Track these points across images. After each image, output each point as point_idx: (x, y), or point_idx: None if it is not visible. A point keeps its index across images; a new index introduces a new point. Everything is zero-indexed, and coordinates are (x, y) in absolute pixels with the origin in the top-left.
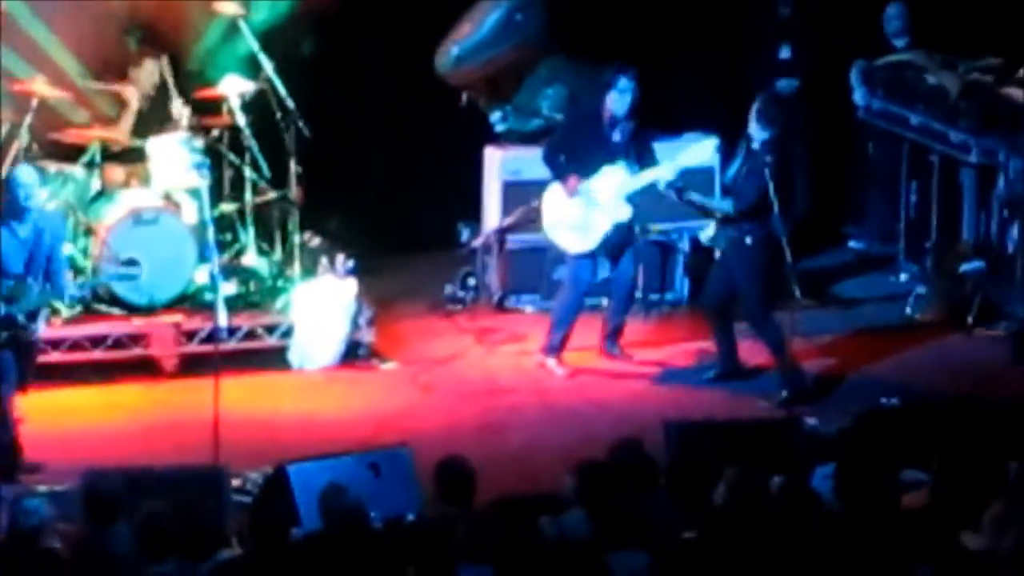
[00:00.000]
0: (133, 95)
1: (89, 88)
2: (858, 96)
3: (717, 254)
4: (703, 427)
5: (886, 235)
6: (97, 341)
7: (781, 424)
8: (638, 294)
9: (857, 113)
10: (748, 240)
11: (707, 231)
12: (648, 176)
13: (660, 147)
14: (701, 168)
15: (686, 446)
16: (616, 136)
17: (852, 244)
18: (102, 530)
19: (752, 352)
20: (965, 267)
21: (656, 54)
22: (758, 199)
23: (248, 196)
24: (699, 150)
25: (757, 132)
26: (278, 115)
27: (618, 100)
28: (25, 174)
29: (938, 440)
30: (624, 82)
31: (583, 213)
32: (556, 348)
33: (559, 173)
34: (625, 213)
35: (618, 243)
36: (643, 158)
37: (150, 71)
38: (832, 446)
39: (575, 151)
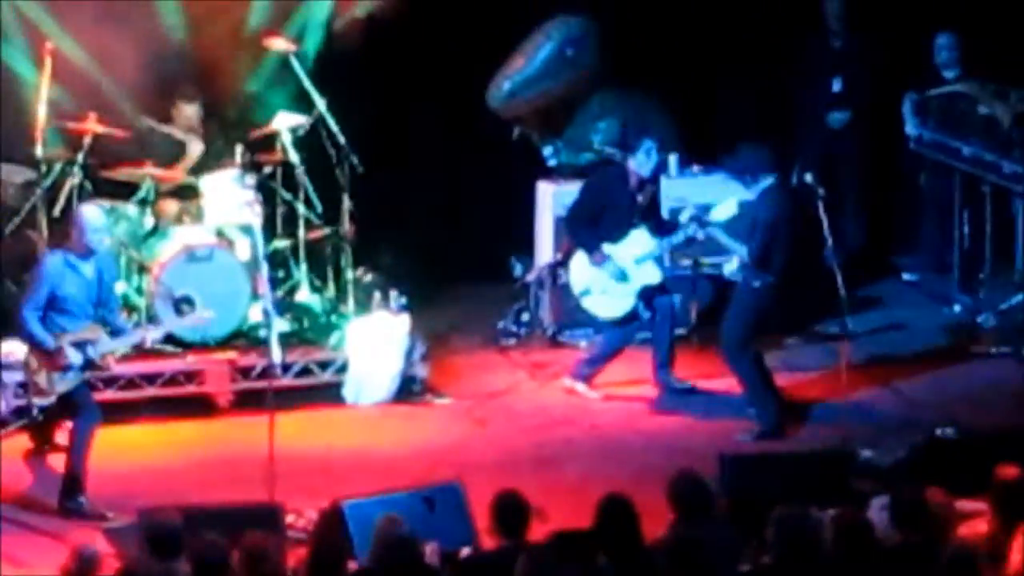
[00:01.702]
0: (193, 139)
1: (143, 127)
2: (910, 127)
3: None
4: (758, 459)
5: (939, 266)
6: (151, 378)
7: (836, 456)
8: (681, 330)
9: (909, 144)
10: (756, 283)
11: (730, 264)
12: (677, 238)
13: (710, 181)
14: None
15: (741, 478)
16: (640, 199)
17: (905, 276)
18: (166, 563)
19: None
20: (1018, 298)
21: (708, 87)
22: (762, 253)
23: (301, 232)
24: (724, 208)
25: (749, 188)
26: (330, 151)
27: (644, 163)
28: (96, 216)
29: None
30: (649, 144)
31: (612, 279)
32: (587, 376)
33: (584, 242)
34: (653, 276)
35: (650, 291)
36: (659, 220)
37: (194, 110)
38: (888, 477)
39: (600, 214)
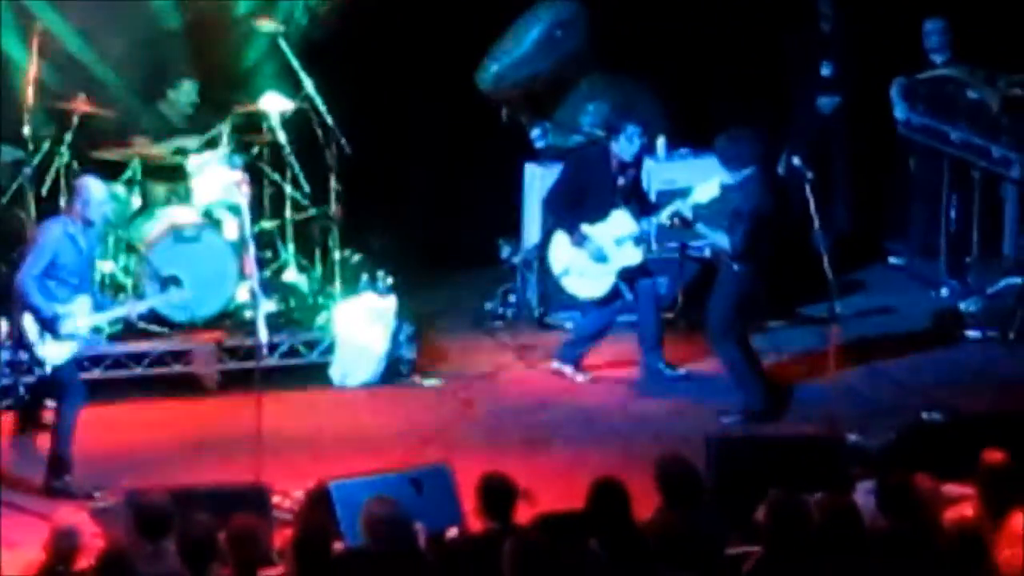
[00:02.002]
0: (174, 114)
1: (131, 106)
2: (899, 112)
3: None
4: (745, 442)
5: (927, 250)
6: (138, 358)
7: (823, 439)
8: (669, 314)
9: (898, 129)
10: (736, 267)
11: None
12: (663, 215)
13: (698, 163)
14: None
15: (728, 462)
16: (621, 181)
17: (892, 260)
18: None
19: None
20: (1005, 282)
21: (697, 71)
22: (746, 244)
23: (288, 213)
24: (706, 188)
25: (728, 176)
26: (318, 132)
27: (626, 147)
28: (100, 189)
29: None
30: (631, 129)
31: (591, 260)
32: (574, 359)
33: (563, 222)
34: (633, 257)
35: (631, 270)
36: (643, 203)
37: (188, 90)
38: (875, 461)
39: (580, 196)
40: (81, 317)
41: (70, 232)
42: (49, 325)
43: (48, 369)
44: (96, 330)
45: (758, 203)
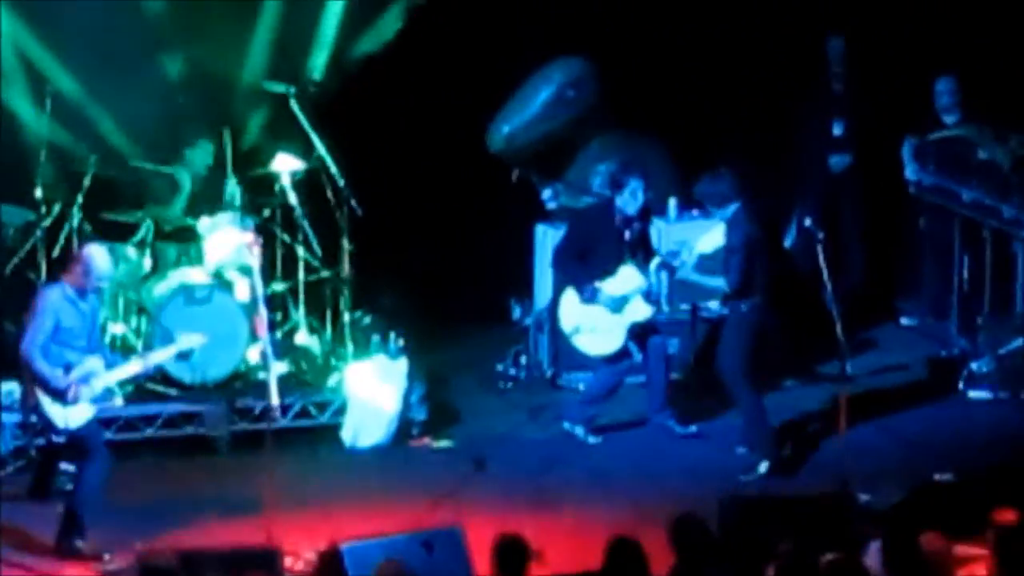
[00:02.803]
0: (185, 176)
1: (142, 169)
2: (910, 172)
3: None
4: (757, 502)
5: (939, 310)
6: (150, 420)
7: (834, 498)
8: (676, 375)
9: (909, 189)
10: (743, 307)
11: (715, 301)
12: (663, 271)
13: (709, 224)
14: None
15: (740, 521)
16: (628, 236)
17: (904, 319)
18: None
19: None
20: (1017, 342)
21: (709, 130)
22: (743, 276)
23: (300, 274)
24: (711, 236)
25: (718, 213)
26: (330, 193)
27: (630, 201)
28: (103, 259)
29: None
30: (635, 183)
31: (601, 317)
32: (585, 420)
33: (572, 279)
34: (643, 312)
35: (641, 330)
36: (650, 257)
37: (204, 152)
38: (885, 520)
39: (586, 251)
40: (95, 378)
41: (69, 296)
42: (56, 394)
43: (63, 435)
44: (109, 390)
45: (746, 233)
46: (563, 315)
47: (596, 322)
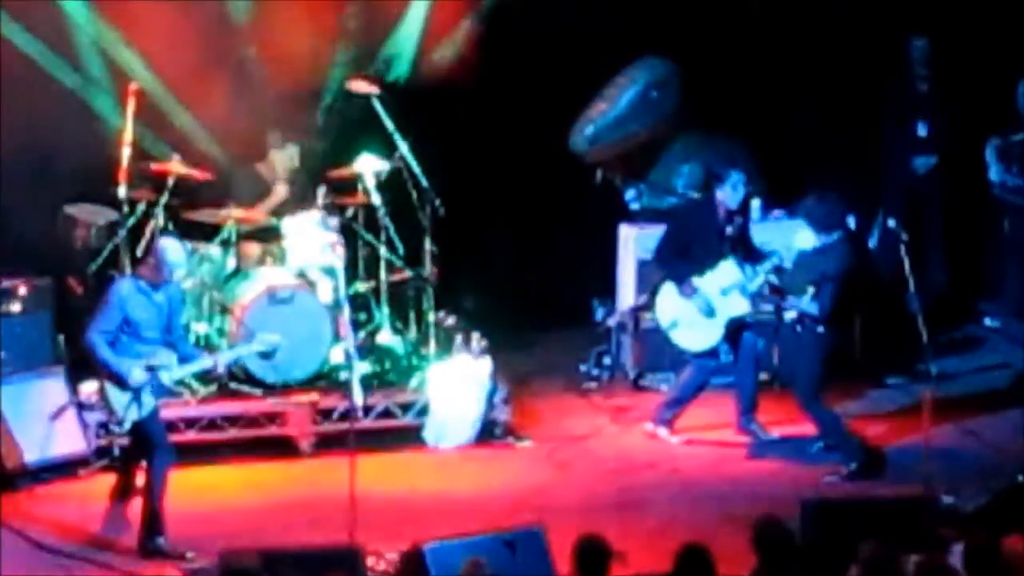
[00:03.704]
0: (277, 180)
1: (226, 168)
2: (993, 173)
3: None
4: (840, 505)
5: (1022, 311)
6: (233, 420)
7: (917, 501)
8: (764, 375)
9: (992, 190)
10: (820, 329)
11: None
12: (765, 268)
13: (792, 225)
14: None
15: (823, 524)
16: (729, 230)
17: (987, 321)
18: None
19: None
20: None
21: (792, 132)
22: (834, 305)
23: (383, 274)
24: (803, 237)
25: (814, 237)
26: (413, 194)
27: (731, 195)
28: (176, 251)
29: None
30: (736, 176)
31: (700, 312)
32: (668, 421)
33: (674, 273)
34: (741, 307)
35: (734, 327)
36: (749, 251)
37: (290, 155)
38: (969, 523)
39: (688, 247)
40: (164, 371)
41: (141, 288)
42: (119, 382)
43: (127, 425)
44: (181, 383)
45: (846, 266)
46: (661, 310)
47: (694, 317)
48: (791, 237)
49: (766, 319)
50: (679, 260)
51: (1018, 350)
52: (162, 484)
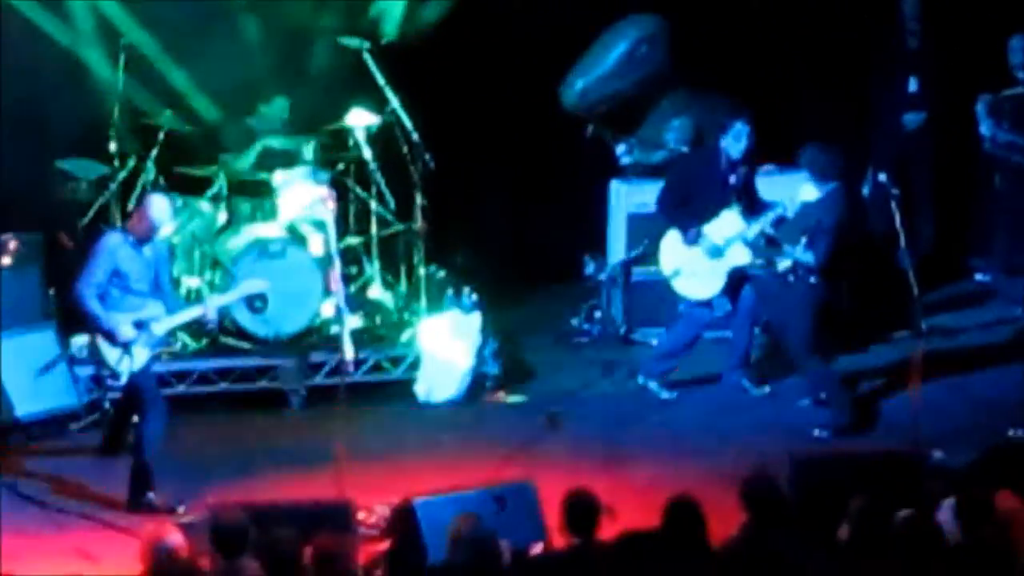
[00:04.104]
0: (259, 128)
1: (217, 121)
2: (984, 128)
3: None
4: (829, 459)
5: (1012, 267)
6: (224, 374)
7: (907, 457)
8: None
9: (983, 145)
10: (812, 280)
11: (785, 261)
12: (768, 219)
13: (783, 180)
14: None
15: (811, 479)
16: (732, 180)
17: (978, 276)
18: (231, 561)
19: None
20: None
21: (781, 87)
22: (828, 257)
23: (374, 229)
24: (807, 190)
25: (813, 187)
26: (404, 148)
27: (734, 144)
28: (163, 206)
29: None
30: (740, 126)
31: (703, 260)
32: (659, 375)
33: (676, 220)
34: (743, 257)
35: (735, 278)
36: (754, 201)
37: (280, 107)
38: (959, 479)
39: (691, 196)
40: (154, 323)
41: (129, 241)
42: (109, 335)
43: (124, 379)
44: (171, 334)
45: (841, 217)
46: (664, 257)
47: (696, 266)
48: (796, 190)
49: (757, 271)
50: (680, 209)
51: (1013, 306)
52: (154, 441)
